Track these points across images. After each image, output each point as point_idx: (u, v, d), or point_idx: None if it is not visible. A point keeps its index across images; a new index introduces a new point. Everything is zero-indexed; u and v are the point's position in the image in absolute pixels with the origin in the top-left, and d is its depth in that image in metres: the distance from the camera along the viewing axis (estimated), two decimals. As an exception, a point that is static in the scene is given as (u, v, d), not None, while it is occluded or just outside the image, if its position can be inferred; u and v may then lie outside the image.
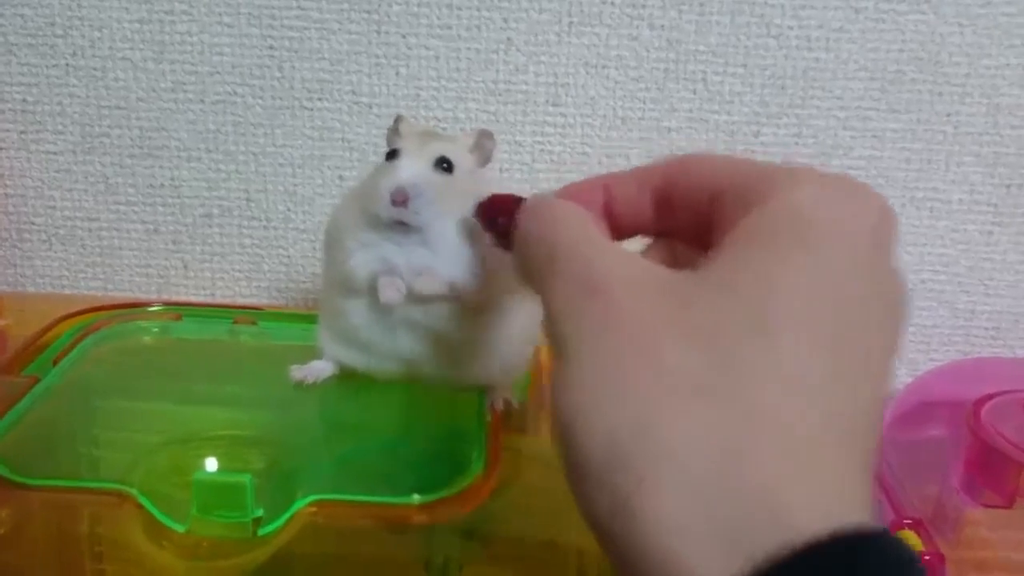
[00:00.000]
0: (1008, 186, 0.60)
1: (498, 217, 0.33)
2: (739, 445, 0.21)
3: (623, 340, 0.23)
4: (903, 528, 0.43)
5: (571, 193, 0.30)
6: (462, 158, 0.41)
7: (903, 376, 0.64)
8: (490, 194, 0.36)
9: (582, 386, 0.24)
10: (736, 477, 0.21)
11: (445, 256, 0.40)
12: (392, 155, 0.41)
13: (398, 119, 0.43)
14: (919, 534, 0.42)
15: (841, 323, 0.23)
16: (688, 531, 0.21)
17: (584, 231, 0.28)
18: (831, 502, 0.21)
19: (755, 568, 0.20)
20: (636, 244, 0.31)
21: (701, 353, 0.22)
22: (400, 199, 0.39)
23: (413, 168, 0.39)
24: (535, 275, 0.28)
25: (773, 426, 0.21)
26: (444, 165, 0.40)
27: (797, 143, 0.60)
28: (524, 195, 0.32)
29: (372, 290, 0.41)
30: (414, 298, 0.40)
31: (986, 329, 0.63)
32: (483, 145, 0.43)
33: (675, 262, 0.29)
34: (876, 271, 0.25)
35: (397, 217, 0.39)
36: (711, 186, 0.27)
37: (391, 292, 0.40)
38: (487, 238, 0.35)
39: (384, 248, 0.40)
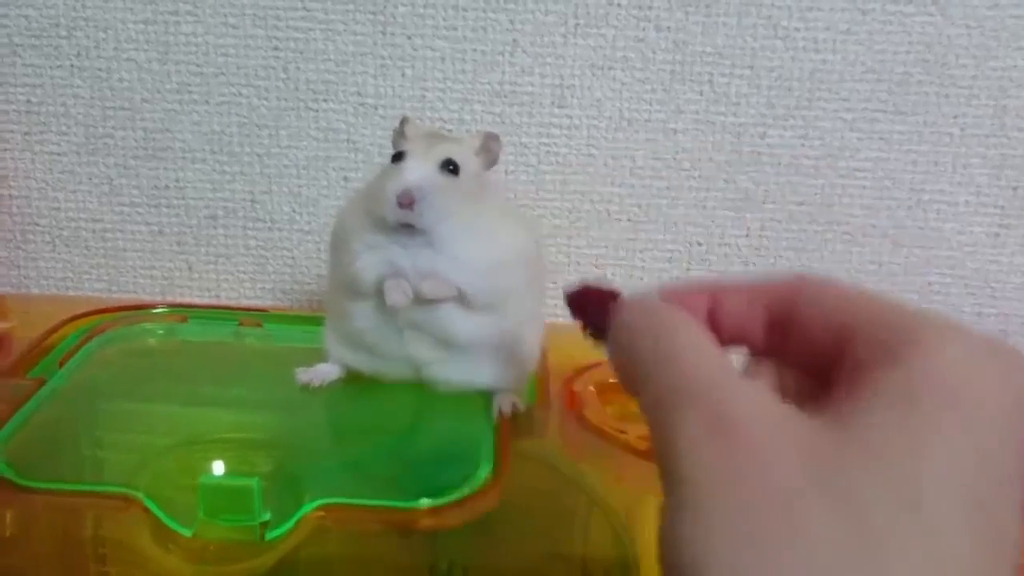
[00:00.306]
0: (1015, 188, 0.60)
1: (590, 309, 0.31)
2: None
3: (760, 498, 0.22)
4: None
5: (675, 295, 0.28)
6: (468, 160, 0.41)
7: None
8: (581, 283, 0.33)
9: (712, 543, 0.22)
10: None
11: (451, 259, 0.40)
12: (398, 157, 0.40)
13: (404, 121, 0.43)
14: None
15: (987, 500, 0.22)
16: None
17: (711, 354, 0.26)
18: None
19: None
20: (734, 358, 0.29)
21: (846, 525, 0.21)
22: (406, 201, 0.38)
23: (419, 170, 0.39)
24: (648, 394, 0.26)
25: None
26: (450, 167, 0.40)
27: (803, 145, 0.59)
28: (619, 289, 0.30)
29: (378, 293, 0.41)
30: (420, 301, 0.40)
31: (993, 331, 0.63)
32: (489, 147, 0.42)
33: (782, 388, 0.27)
34: (1020, 440, 0.24)
35: (403, 219, 0.39)
36: (839, 324, 0.26)
37: (397, 295, 0.40)
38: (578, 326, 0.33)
39: (390, 251, 0.40)
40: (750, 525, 0.22)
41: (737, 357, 0.28)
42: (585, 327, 0.31)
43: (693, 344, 0.26)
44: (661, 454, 0.24)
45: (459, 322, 0.41)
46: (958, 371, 0.23)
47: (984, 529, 0.22)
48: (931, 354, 0.23)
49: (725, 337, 0.28)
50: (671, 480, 0.24)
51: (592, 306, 0.30)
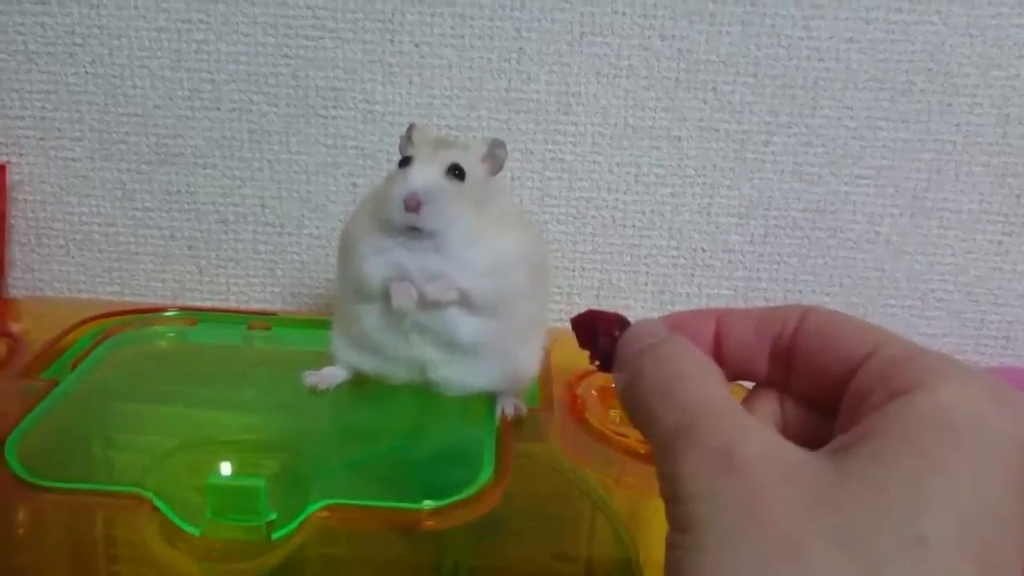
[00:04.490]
0: (1018, 196, 0.60)
1: (597, 338, 0.31)
2: None
3: (766, 537, 0.22)
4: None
5: (681, 325, 0.28)
6: (474, 166, 0.42)
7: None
8: (588, 312, 0.33)
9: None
10: None
11: (456, 262, 0.41)
12: (405, 162, 0.41)
13: (411, 127, 0.43)
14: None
15: (994, 541, 0.22)
16: None
17: (718, 390, 0.26)
18: None
19: None
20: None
21: (848, 563, 0.22)
22: (413, 205, 0.39)
23: (426, 175, 0.40)
24: (654, 429, 0.26)
25: None
26: (456, 172, 0.41)
27: (807, 152, 0.60)
28: (625, 318, 0.30)
29: (385, 295, 0.41)
30: (426, 304, 0.41)
31: (996, 339, 0.63)
32: (495, 154, 0.43)
33: (784, 420, 0.27)
34: (1020, 484, 0.23)
35: (410, 223, 0.40)
36: (843, 358, 0.26)
37: (404, 298, 0.40)
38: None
39: (397, 254, 0.41)
40: (758, 568, 0.22)
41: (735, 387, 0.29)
42: (592, 356, 0.31)
43: (699, 378, 0.26)
44: (667, 489, 0.24)
45: (463, 325, 0.42)
46: (961, 411, 0.23)
47: (981, 571, 0.22)
48: (934, 393, 0.23)
49: (729, 366, 0.28)
50: (678, 517, 0.24)
51: (599, 335, 0.30)
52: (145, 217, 0.63)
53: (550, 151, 0.60)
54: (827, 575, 0.21)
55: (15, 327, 0.55)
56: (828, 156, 0.60)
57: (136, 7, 0.59)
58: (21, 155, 0.62)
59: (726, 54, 0.58)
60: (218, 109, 0.61)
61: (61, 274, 0.65)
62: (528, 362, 0.46)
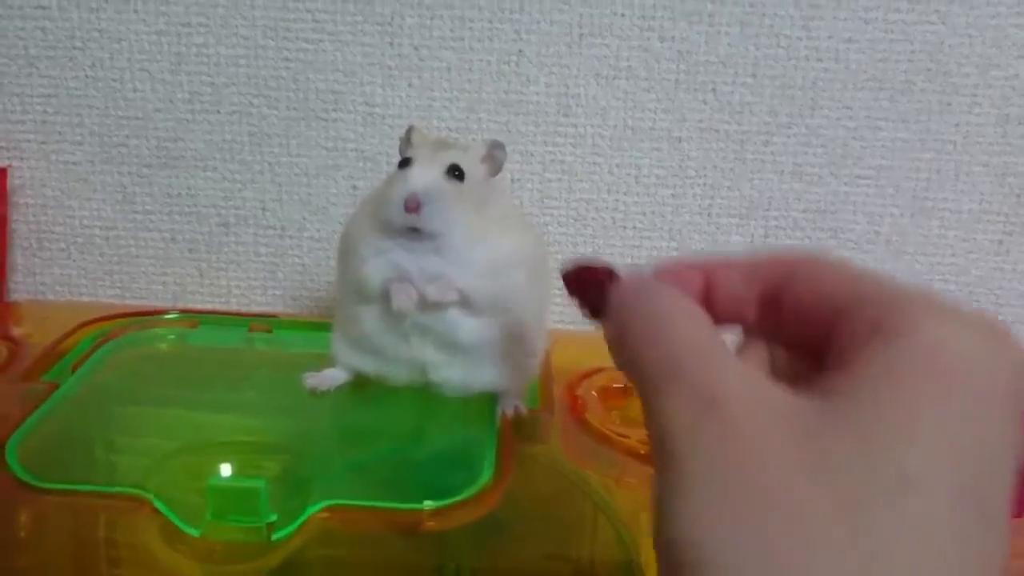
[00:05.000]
0: (1019, 196, 0.60)
1: (587, 289, 0.31)
2: None
3: (748, 471, 0.22)
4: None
5: (669, 272, 0.28)
6: (473, 167, 0.42)
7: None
8: (578, 262, 0.33)
9: (701, 518, 0.22)
10: None
11: (456, 263, 0.41)
12: (404, 163, 0.41)
13: (410, 129, 0.43)
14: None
15: (976, 478, 0.22)
16: None
17: (703, 334, 0.25)
18: None
19: None
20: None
21: (833, 498, 0.21)
22: (412, 205, 0.39)
23: (425, 176, 0.40)
24: (641, 373, 0.26)
25: None
26: (455, 173, 0.41)
27: (807, 152, 0.60)
28: (615, 267, 0.30)
29: (385, 297, 0.41)
30: (426, 305, 0.41)
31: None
32: (494, 155, 0.43)
33: (777, 366, 0.27)
34: (1014, 424, 0.23)
35: (409, 223, 0.40)
36: (832, 301, 0.25)
37: (403, 299, 0.41)
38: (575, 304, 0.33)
39: (397, 255, 0.41)
40: (744, 508, 0.22)
41: (731, 336, 0.28)
42: (582, 306, 0.31)
43: (685, 323, 0.26)
44: (653, 433, 0.24)
45: (463, 325, 0.42)
46: (949, 348, 0.23)
47: (974, 517, 0.22)
48: (922, 331, 0.23)
49: (719, 314, 0.28)
50: (664, 459, 0.24)
51: (589, 285, 0.30)
52: (146, 220, 0.63)
53: (550, 153, 0.61)
54: (806, 515, 0.21)
55: (16, 331, 0.55)
56: (828, 156, 0.60)
57: (136, 11, 0.59)
58: (22, 159, 0.62)
59: (725, 55, 0.58)
60: (218, 112, 0.61)
61: (62, 277, 0.65)
62: (528, 363, 0.46)
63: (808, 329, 0.26)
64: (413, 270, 0.41)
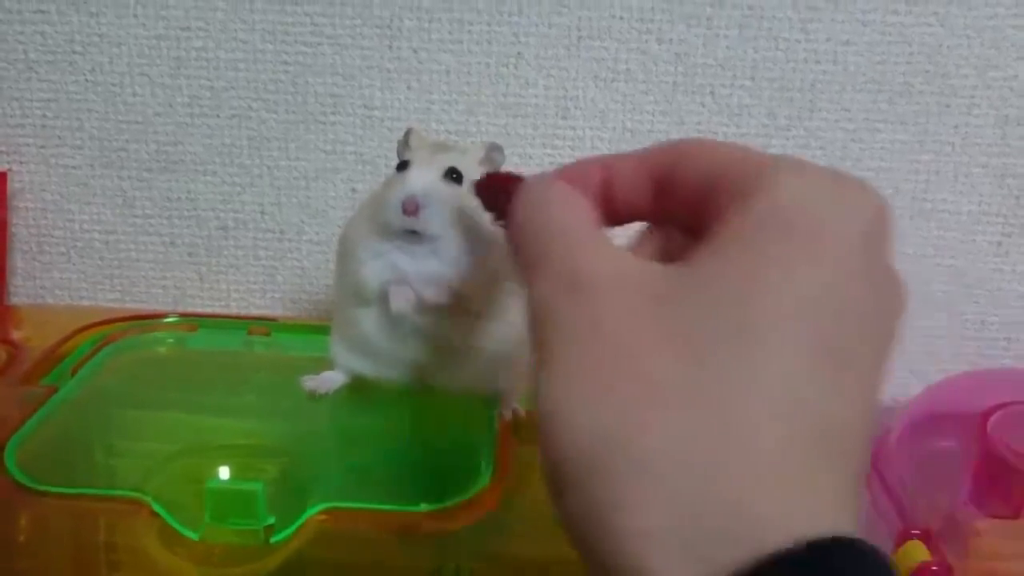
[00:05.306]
0: (1018, 197, 0.60)
1: (497, 196, 0.31)
2: (713, 457, 0.21)
3: (604, 344, 0.23)
4: (911, 539, 0.43)
5: (569, 174, 0.29)
6: (471, 169, 0.42)
7: (914, 387, 0.64)
8: (488, 174, 0.35)
9: (563, 392, 0.23)
10: (709, 490, 0.21)
11: (454, 265, 0.41)
12: (403, 166, 0.41)
13: (408, 131, 0.43)
14: (927, 545, 0.42)
15: (827, 329, 0.22)
16: (660, 544, 0.20)
17: (575, 221, 0.27)
18: (807, 514, 0.21)
19: None
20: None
21: (680, 360, 0.22)
22: (411, 208, 0.39)
23: (423, 178, 0.40)
24: (519, 261, 0.27)
25: (748, 437, 0.21)
26: (454, 176, 0.41)
27: (806, 154, 0.60)
28: (523, 174, 0.31)
29: (383, 299, 0.41)
30: (424, 307, 0.41)
31: (996, 340, 0.63)
32: (492, 158, 0.43)
33: (671, 251, 0.28)
34: (867, 273, 0.24)
35: (408, 226, 0.40)
36: (707, 174, 0.26)
37: (401, 301, 0.41)
38: (489, 217, 0.34)
39: (395, 257, 0.41)
40: (598, 372, 0.23)
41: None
42: (496, 217, 0.32)
43: (558, 211, 0.27)
44: (527, 315, 0.26)
45: (461, 328, 0.42)
46: (796, 205, 0.24)
47: (822, 364, 0.22)
48: (773, 191, 0.24)
49: (619, 205, 0.29)
50: (535, 339, 0.25)
51: (499, 192, 0.31)
52: (145, 224, 0.63)
53: (548, 155, 0.61)
54: (656, 371, 0.22)
55: (16, 334, 0.55)
56: (827, 158, 0.60)
57: (135, 15, 0.59)
58: (22, 163, 0.62)
59: (724, 57, 0.58)
60: (217, 116, 0.61)
61: (62, 281, 0.65)
62: (526, 364, 0.46)
63: (693, 208, 0.27)
64: (411, 272, 0.41)
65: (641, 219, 0.29)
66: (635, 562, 0.21)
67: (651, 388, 0.22)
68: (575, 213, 0.27)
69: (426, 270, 0.41)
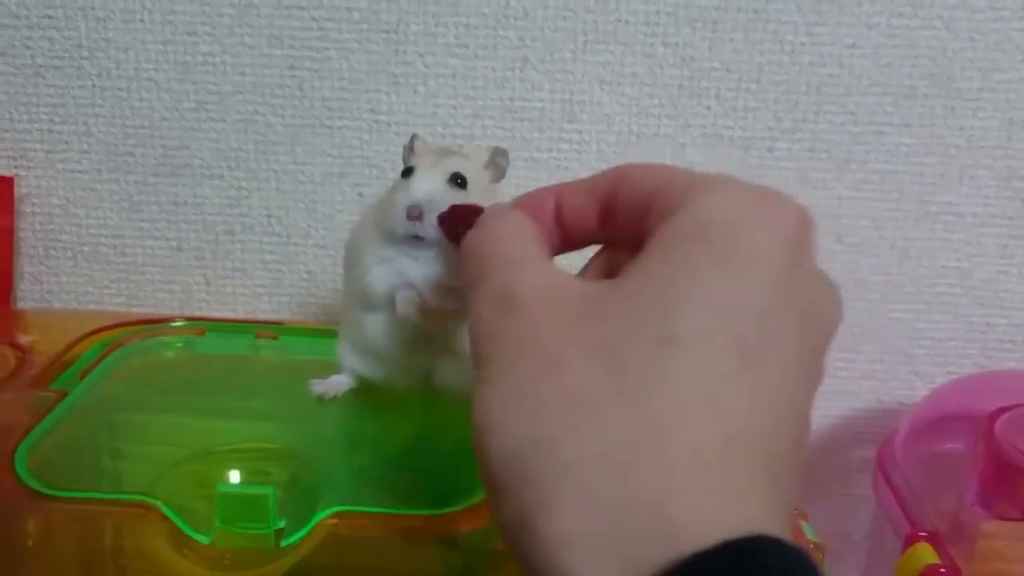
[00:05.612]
0: (1023, 199, 0.60)
1: (458, 227, 0.33)
2: (632, 459, 0.21)
3: (532, 359, 0.24)
4: (919, 541, 0.43)
5: (525, 203, 0.31)
6: (476, 174, 0.42)
7: (919, 389, 0.64)
8: (451, 206, 0.37)
9: (496, 405, 0.24)
10: (628, 493, 0.21)
11: (458, 270, 0.41)
12: (407, 172, 0.41)
13: (413, 137, 0.44)
14: (935, 547, 0.43)
15: (749, 335, 0.23)
16: (582, 547, 0.21)
17: (514, 244, 0.28)
18: (727, 514, 0.21)
19: None
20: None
21: (602, 367, 0.23)
22: (415, 214, 0.39)
23: (428, 184, 0.40)
24: (468, 287, 0.28)
25: (665, 441, 0.22)
26: (458, 181, 0.41)
27: (811, 157, 0.60)
28: (483, 207, 0.33)
29: (390, 304, 0.41)
30: (430, 311, 0.41)
31: (1001, 342, 0.63)
32: (497, 162, 0.43)
33: (616, 271, 0.28)
34: (788, 280, 0.24)
35: (413, 232, 0.40)
36: (644, 194, 0.27)
37: (407, 306, 0.41)
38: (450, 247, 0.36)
39: (401, 263, 0.41)
40: (527, 386, 0.24)
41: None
42: (452, 241, 0.33)
43: (501, 234, 0.28)
44: (469, 333, 0.27)
45: (467, 332, 0.42)
46: (717, 218, 0.24)
47: (743, 367, 0.23)
48: (695, 206, 0.25)
49: (572, 232, 0.30)
50: (474, 355, 0.26)
51: (459, 224, 0.32)
52: (152, 228, 0.63)
53: (555, 159, 0.61)
54: (581, 381, 0.23)
55: (24, 339, 0.55)
56: (832, 161, 0.60)
57: (142, 20, 0.59)
58: (29, 168, 0.62)
59: (729, 61, 0.58)
60: (224, 120, 0.61)
61: (69, 286, 0.65)
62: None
63: (633, 228, 0.28)
64: (417, 278, 0.41)
65: (592, 242, 0.31)
66: (558, 564, 0.21)
67: (575, 399, 0.23)
68: (516, 237, 0.28)
69: (431, 275, 0.41)
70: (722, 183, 0.26)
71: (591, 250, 0.32)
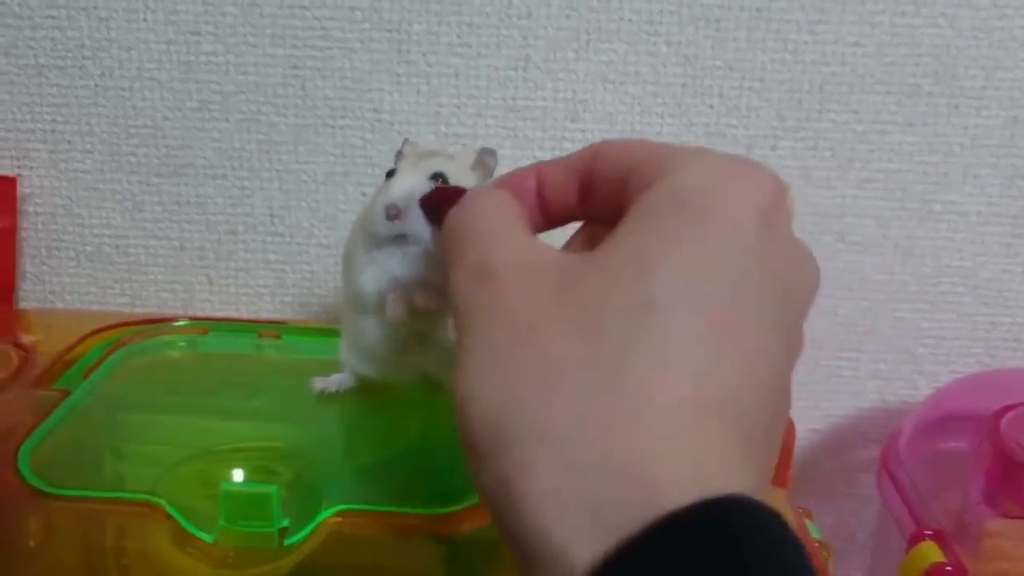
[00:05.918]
0: (1027, 198, 0.60)
1: (440, 208, 0.33)
2: (609, 422, 0.22)
3: (508, 327, 0.24)
4: (924, 539, 0.43)
5: (506, 182, 0.31)
6: (461, 174, 0.41)
7: (924, 388, 0.64)
8: (434, 188, 0.37)
9: (475, 374, 0.24)
10: (605, 454, 0.21)
11: (444, 267, 0.41)
12: (390, 175, 0.41)
13: (404, 142, 0.43)
14: (940, 545, 0.43)
15: (723, 300, 0.24)
16: (561, 510, 0.21)
17: (492, 218, 0.28)
18: (701, 475, 0.21)
19: (619, 543, 0.20)
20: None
21: (576, 332, 0.23)
22: (393, 213, 0.39)
23: (406, 183, 0.40)
24: (448, 263, 0.29)
25: (642, 402, 0.22)
26: (440, 180, 0.41)
27: (814, 156, 0.60)
28: (466, 188, 0.33)
29: (382, 306, 0.41)
30: (419, 310, 0.41)
31: (1006, 341, 0.63)
32: (484, 161, 0.43)
33: (595, 247, 0.29)
34: (763, 247, 0.25)
35: (395, 231, 0.40)
36: (623, 170, 0.28)
37: (397, 307, 0.41)
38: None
39: (389, 263, 0.41)
40: (504, 354, 0.24)
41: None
42: (436, 225, 0.34)
43: (479, 210, 0.29)
44: (451, 306, 0.27)
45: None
46: (691, 187, 0.25)
47: (719, 333, 0.23)
48: (671, 177, 0.26)
49: (553, 209, 0.31)
50: (456, 327, 0.27)
51: (442, 205, 0.33)
52: (155, 228, 0.63)
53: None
54: (556, 346, 0.23)
55: (26, 338, 0.55)
56: (835, 160, 0.60)
57: (145, 20, 0.59)
58: (31, 168, 0.62)
59: (732, 59, 0.58)
60: (227, 120, 0.61)
61: (72, 285, 0.65)
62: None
63: (611, 203, 0.28)
64: (405, 277, 0.41)
65: (574, 218, 0.32)
66: (536, 524, 0.21)
67: (551, 362, 0.23)
68: (496, 213, 0.29)
69: (418, 273, 0.41)
70: (697, 155, 0.26)
71: (575, 228, 0.32)
